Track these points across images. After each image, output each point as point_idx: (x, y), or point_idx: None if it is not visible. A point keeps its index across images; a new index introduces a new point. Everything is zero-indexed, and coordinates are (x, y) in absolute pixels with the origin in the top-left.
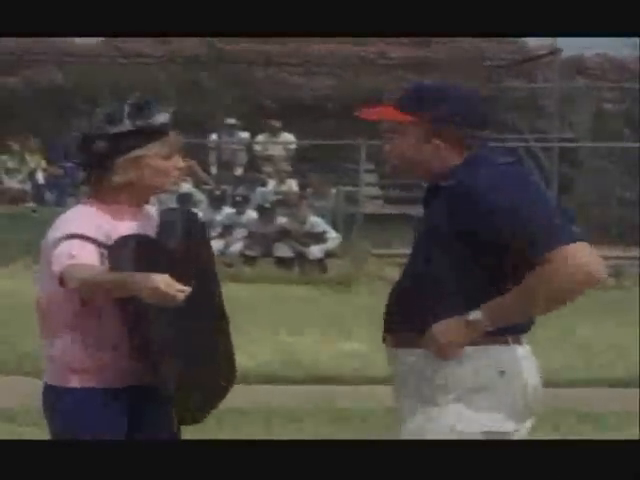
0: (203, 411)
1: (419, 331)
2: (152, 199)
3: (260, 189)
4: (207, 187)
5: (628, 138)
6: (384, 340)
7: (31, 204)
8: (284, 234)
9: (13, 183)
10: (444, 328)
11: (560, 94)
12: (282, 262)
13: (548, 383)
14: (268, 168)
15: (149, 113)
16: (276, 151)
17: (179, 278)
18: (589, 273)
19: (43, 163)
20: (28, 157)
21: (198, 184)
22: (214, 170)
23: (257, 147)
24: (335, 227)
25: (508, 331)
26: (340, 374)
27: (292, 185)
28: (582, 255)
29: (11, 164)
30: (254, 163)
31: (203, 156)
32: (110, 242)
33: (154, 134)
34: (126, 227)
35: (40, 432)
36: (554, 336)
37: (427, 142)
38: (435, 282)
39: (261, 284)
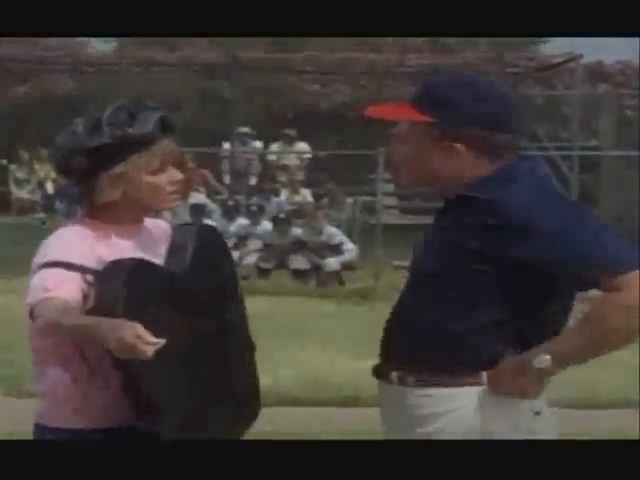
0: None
1: (442, 369)
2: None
3: (275, 199)
4: (220, 197)
5: None
6: (382, 375)
7: (41, 214)
8: (300, 245)
9: (22, 193)
10: (502, 376)
11: (582, 101)
12: (298, 274)
13: None
14: (283, 178)
15: (129, 120)
16: (291, 160)
17: (187, 307)
18: None
19: (52, 173)
20: (37, 167)
21: (211, 194)
22: (227, 180)
23: (271, 156)
24: (352, 238)
25: None
26: (362, 395)
27: (307, 195)
28: None
29: (20, 174)
30: (268, 173)
31: (216, 165)
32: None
33: (136, 145)
34: (123, 249)
35: None
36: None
37: (448, 147)
38: (463, 312)
39: (277, 297)
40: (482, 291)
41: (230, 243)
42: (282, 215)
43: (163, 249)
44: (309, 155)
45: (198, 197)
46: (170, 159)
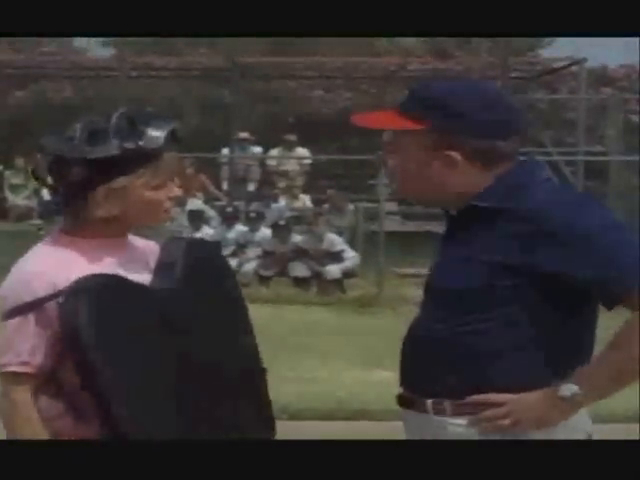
0: None
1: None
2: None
3: (274, 205)
4: (219, 203)
5: None
6: (412, 405)
7: (37, 221)
8: (300, 253)
9: (18, 200)
10: (528, 407)
11: (586, 105)
12: (298, 282)
13: None
14: (282, 183)
15: (140, 132)
16: (291, 166)
17: (176, 328)
18: None
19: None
20: None
21: (209, 200)
22: (226, 185)
23: (271, 162)
24: (353, 245)
25: None
26: (369, 408)
27: (306, 201)
28: None
29: (16, 180)
30: (268, 178)
31: (215, 171)
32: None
33: (145, 158)
34: (103, 266)
35: None
36: None
37: (441, 156)
38: (496, 330)
39: (277, 305)
40: (517, 308)
41: (229, 250)
42: (282, 222)
43: (150, 266)
44: (309, 161)
45: (196, 203)
46: (171, 173)
